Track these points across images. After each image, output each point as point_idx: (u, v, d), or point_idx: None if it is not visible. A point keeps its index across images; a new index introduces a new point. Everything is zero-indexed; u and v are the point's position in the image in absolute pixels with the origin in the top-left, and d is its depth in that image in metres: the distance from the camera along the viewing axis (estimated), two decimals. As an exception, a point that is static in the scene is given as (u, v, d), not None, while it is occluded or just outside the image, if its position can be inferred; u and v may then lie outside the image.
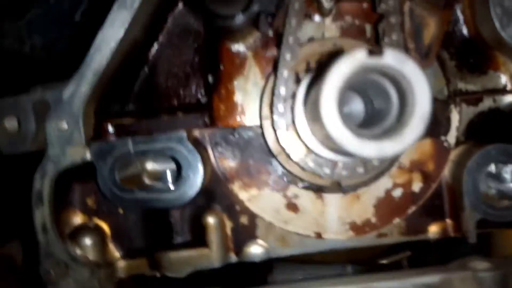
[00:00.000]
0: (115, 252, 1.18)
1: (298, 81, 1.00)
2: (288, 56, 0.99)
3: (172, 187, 1.13)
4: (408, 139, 0.70)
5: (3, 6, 1.88)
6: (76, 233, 1.13)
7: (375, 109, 0.91)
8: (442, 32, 1.01)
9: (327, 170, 1.01)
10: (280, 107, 1.00)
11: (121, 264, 1.18)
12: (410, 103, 0.71)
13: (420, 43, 1.01)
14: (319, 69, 0.95)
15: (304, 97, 0.96)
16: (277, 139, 1.05)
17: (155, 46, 1.26)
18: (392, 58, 0.69)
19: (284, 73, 1.00)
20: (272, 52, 1.13)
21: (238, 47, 1.15)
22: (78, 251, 1.11)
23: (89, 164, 1.10)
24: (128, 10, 1.04)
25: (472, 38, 1.21)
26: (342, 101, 0.70)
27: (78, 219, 1.15)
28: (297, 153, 1.03)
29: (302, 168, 1.04)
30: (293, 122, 1.01)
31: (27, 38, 1.97)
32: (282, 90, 1.00)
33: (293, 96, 1.00)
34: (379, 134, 0.76)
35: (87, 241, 1.13)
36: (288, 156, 1.04)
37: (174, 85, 1.26)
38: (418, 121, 0.69)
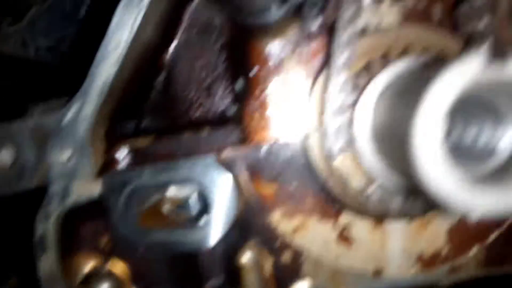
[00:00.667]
0: (137, 299, 1.00)
1: (357, 88, 0.77)
2: (342, 58, 0.77)
3: (199, 220, 0.94)
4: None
5: (1, 7, 1.71)
6: (89, 281, 0.95)
7: (471, 118, 0.67)
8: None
9: (396, 203, 0.79)
10: (333, 123, 0.79)
11: (144, 312, 0.99)
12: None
13: (517, 27, 0.77)
14: (395, 85, 0.72)
15: (369, 112, 0.74)
16: (328, 162, 0.83)
17: (171, 49, 1.05)
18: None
19: (338, 79, 0.78)
20: (319, 50, 0.91)
21: (274, 45, 0.93)
22: (93, 303, 0.93)
23: (100, 199, 0.92)
24: (137, 9, 0.84)
25: None
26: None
27: (90, 263, 0.97)
28: (356, 181, 0.82)
29: (363, 202, 0.82)
30: (351, 142, 0.79)
31: (31, 41, 1.81)
32: (335, 101, 0.78)
33: (351, 107, 0.78)
34: (492, 175, 0.54)
35: (103, 288, 0.95)
36: (344, 184, 0.82)
37: (195, 94, 1.06)
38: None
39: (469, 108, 0.65)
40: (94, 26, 1.02)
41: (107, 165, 0.95)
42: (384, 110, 0.68)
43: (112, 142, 0.96)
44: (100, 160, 0.94)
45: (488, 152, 0.59)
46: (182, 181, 0.90)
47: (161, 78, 1.05)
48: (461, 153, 0.64)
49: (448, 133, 0.73)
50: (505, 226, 0.97)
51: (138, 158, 0.97)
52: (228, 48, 1.03)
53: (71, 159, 0.89)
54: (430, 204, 0.76)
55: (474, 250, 0.99)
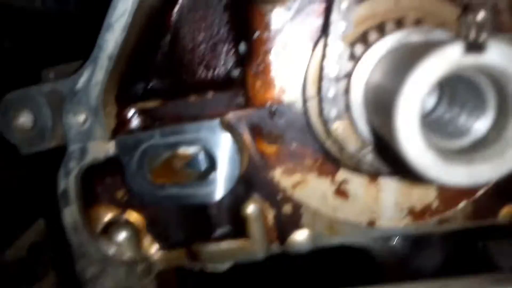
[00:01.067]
0: (152, 245, 1.11)
1: (353, 57, 0.81)
2: (340, 24, 0.80)
3: (208, 175, 1.02)
4: (510, 162, 0.53)
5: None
6: (109, 229, 1.06)
7: (457, 95, 0.72)
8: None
9: (387, 165, 0.86)
10: (330, 90, 0.83)
11: (159, 256, 1.12)
12: (516, 114, 0.53)
13: (514, -1, 0.78)
14: (382, 54, 0.75)
15: (364, 82, 0.78)
16: (325, 126, 0.89)
17: (176, 10, 1.07)
18: (498, 57, 0.50)
19: (335, 46, 0.81)
20: (319, 15, 0.93)
21: (275, 11, 0.95)
22: (113, 249, 1.04)
23: (115, 157, 1.00)
24: (140, -23, 0.86)
25: None
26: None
27: (109, 214, 1.07)
28: (352, 144, 0.88)
29: (358, 162, 0.88)
30: (347, 109, 0.84)
31: (37, -8, 1.83)
32: (333, 69, 0.82)
33: (348, 76, 0.82)
34: (469, 149, 0.60)
35: (121, 236, 1.06)
36: (340, 147, 0.88)
37: (200, 55, 1.10)
38: (526, 141, 0.52)
39: (457, 87, 0.69)
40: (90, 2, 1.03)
41: (119, 126, 1.02)
42: (377, 81, 0.72)
43: (122, 105, 1.02)
44: (112, 122, 1.00)
45: (466, 129, 0.64)
46: (189, 142, 0.97)
47: (166, 40, 1.08)
48: (442, 127, 0.70)
49: (435, 107, 0.78)
50: (490, 184, 1.03)
51: (148, 120, 1.03)
52: (231, 10, 1.05)
53: (86, 122, 0.95)
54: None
55: (462, 204, 1.06)
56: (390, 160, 0.86)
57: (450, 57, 0.51)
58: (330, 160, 1.05)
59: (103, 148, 0.98)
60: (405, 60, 0.60)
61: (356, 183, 1.06)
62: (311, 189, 1.07)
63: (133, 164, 0.97)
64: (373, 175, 1.05)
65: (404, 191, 1.06)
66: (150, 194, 0.98)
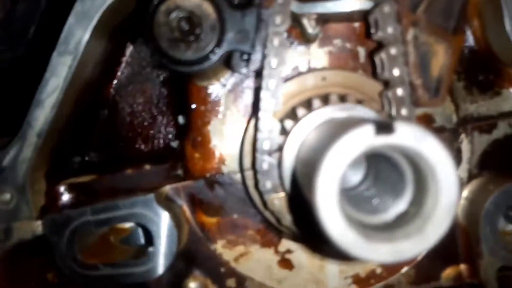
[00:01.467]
0: (85, 331, 1.02)
1: (284, 132, 0.83)
2: (269, 103, 0.82)
3: (146, 250, 0.97)
4: (431, 238, 0.55)
5: None
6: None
7: (381, 172, 0.75)
8: (454, 61, 0.86)
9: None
10: (264, 163, 0.84)
11: None
12: (431, 189, 0.56)
13: (428, 75, 0.85)
14: (309, 127, 0.78)
15: (295, 154, 0.80)
16: (262, 198, 0.89)
17: (114, 84, 1.08)
18: (406, 136, 0.53)
19: (266, 121, 0.83)
20: (251, 90, 0.96)
21: (211, 85, 0.97)
22: None
23: (44, 237, 0.94)
24: (72, 54, 0.86)
25: (481, 52, 1.05)
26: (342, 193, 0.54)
27: (37, 299, 0.99)
28: (288, 216, 0.88)
29: (295, 233, 0.88)
30: (281, 181, 0.84)
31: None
32: (265, 143, 0.84)
33: (280, 150, 0.83)
34: (392, 224, 0.61)
35: (50, 324, 0.97)
36: (277, 219, 0.88)
37: (139, 128, 1.10)
38: (443, 215, 0.55)
39: (380, 164, 0.72)
40: (42, 46, 1.03)
41: (49, 203, 0.97)
42: (302, 157, 0.74)
43: (53, 181, 0.98)
44: (42, 199, 0.96)
45: (389, 205, 0.66)
46: (123, 219, 0.94)
47: (104, 113, 1.07)
48: (367, 201, 0.72)
49: (361, 181, 0.81)
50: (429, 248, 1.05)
51: (81, 195, 1.00)
52: (169, 84, 1.07)
53: (11, 201, 0.91)
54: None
55: (404, 269, 1.07)
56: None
57: (362, 138, 0.53)
58: (272, 230, 1.04)
59: (31, 227, 0.93)
60: (324, 139, 0.63)
61: (300, 253, 1.05)
62: (255, 261, 1.05)
63: (62, 244, 0.92)
64: (316, 245, 1.05)
65: (347, 258, 1.05)
66: (82, 276, 0.92)
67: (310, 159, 0.65)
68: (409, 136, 0.54)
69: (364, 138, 0.54)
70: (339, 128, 0.58)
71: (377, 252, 0.55)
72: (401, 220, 0.61)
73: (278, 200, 0.87)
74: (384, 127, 0.53)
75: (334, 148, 0.53)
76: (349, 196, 0.67)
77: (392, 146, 0.54)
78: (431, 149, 0.54)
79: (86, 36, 0.87)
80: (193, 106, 1.00)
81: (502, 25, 0.94)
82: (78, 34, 0.86)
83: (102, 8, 0.86)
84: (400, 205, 0.64)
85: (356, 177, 0.83)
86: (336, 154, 0.53)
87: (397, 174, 0.65)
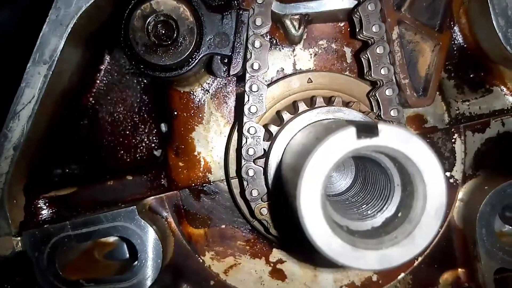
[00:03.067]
0: None
1: (270, 137, 0.82)
2: (253, 108, 0.81)
3: (130, 265, 0.96)
4: (420, 244, 0.54)
5: None
6: None
7: (370, 178, 0.74)
8: (442, 59, 0.85)
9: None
10: (250, 171, 0.83)
11: None
12: (419, 192, 0.55)
13: (415, 75, 0.85)
14: (294, 131, 0.77)
15: (280, 160, 0.79)
16: (249, 208, 0.88)
17: (93, 92, 1.07)
18: (390, 138, 0.52)
19: (251, 129, 0.82)
20: (234, 95, 0.95)
21: (193, 90, 0.97)
22: None
23: (23, 254, 0.92)
24: (47, 64, 0.85)
25: (470, 49, 1.05)
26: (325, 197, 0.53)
27: (17, 321, 0.96)
28: (272, 227, 0.86)
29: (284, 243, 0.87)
30: (268, 188, 0.83)
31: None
32: (250, 150, 0.83)
33: (266, 155, 0.82)
34: (380, 229, 0.60)
35: None
36: (265, 227, 0.87)
37: (120, 136, 1.08)
38: (432, 219, 0.54)
39: (369, 169, 0.71)
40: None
41: (29, 218, 0.95)
42: (284, 161, 0.73)
43: (33, 195, 0.96)
44: (20, 215, 0.94)
45: (377, 210, 0.65)
46: (105, 233, 0.92)
47: (84, 123, 1.06)
48: (356, 207, 0.71)
49: (350, 186, 0.80)
50: (425, 253, 1.05)
51: (62, 208, 0.98)
52: (150, 91, 1.06)
53: (-12, 217, 0.89)
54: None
55: (401, 276, 1.06)
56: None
57: (344, 142, 0.53)
58: (262, 240, 1.02)
59: (10, 244, 0.91)
60: (307, 144, 0.62)
61: (292, 263, 1.04)
62: (246, 273, 1.03)
63: (43, 260, 0.91)
64: (308, 253, 1.03)
65: (341, 267, 1.04)
66: (63, 292, 0.90)
67: (294, 164, 0.64)
68: (393, 138, 0.53)
69: (347, 142, 0.53)
70: (322, 132, 0.57)
71: (365, 260, 0.54)
72: (389, 225, 0.60)
73: (266, 208, 0.85)
74: (367, 129, 0.52)
75: (317, 153, 0.53)
76: (337, 203, 0.66)
77: (375, 148, 0.53)
78: (416, 150, 0.53)
79: (61, 45, 0.86)
80: (175, 113, 0.99)
81: (490, 21, 0.94)
82: (53, 42, 0.85)
83: (77, 16, 0.85)
84: (388, 210, 0.64)
85: (344, 182, 0.82)
86: (319, 158, 0.52)
87: (385, 178, 0.65)
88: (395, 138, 0.53)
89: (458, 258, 1.07)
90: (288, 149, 0.76)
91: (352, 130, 0.52)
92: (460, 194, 1.05)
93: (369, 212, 0.66)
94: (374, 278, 1.06)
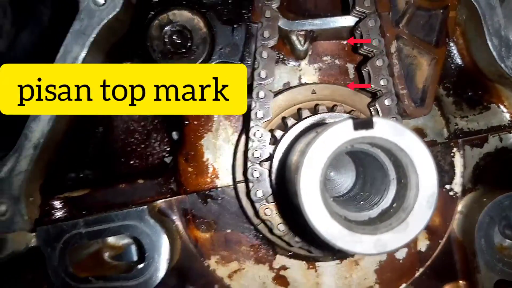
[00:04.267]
0: None
1: (275, 141, 0.87)
2: (259, 114, 0.86)
3: (137, 266, 0.99)
4: (413, 231, 0.58)
5: None
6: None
7: (369, 176, 0.78)
8: (438, 73, 0.91)
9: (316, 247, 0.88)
10: (255, 172, 0.87)
11: None
12: (412, 182, 0.59)
13: (413, 87, 0.90)
14: (298, 135, 0.82)
15: (283, 162, 0.83)
16: (255, 209, 0.91)
17: (111, 102, 1.13)
18: (384, 130, 0.57)
19: (257, 133, 0.88)
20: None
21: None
22: None
23: (36, 249, 0.96)
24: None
25: (468, 69, 1.11)
26: (325, 182, 0.57)
27: (27, 316, 0.99)
28: (280, 226, 0.90)
29: (287, 244, 0.90)
30: (272, 190, 0.87)
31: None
32: (256, 153, 0.88)
33: (270, 158, 0.87)
34: (376, 218, 0.64)
35: None
36: (270, 229, 0.90)
37: (133, 144, 1.14)
38: (424, 207, 0.58)
39: (368, 168, 0.76)
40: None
41: (43, 216, 1.00)
42: (289, 158, 0.78)
43: (48, 195, 1.01)
44: (36, 212, 0.99)
45: (375, 203, 0.69)
46: (116, 231, 0.96)
47: (99, 131, 1.12)
48: (357, 203, 0.75)
49: (352, 187, 0.84)
50: (426, 264, 1.07)
51: (75, 209, 1.02)
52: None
53: (6, 212, 0.93)
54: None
55: (403, 286, 1.08)
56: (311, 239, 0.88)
57: (342, 132, 0.57)
58: (267, 246, 1.06)
59: (24, 239, 0.96)
60: (309, 138, 0.67)
61: (295, 269, 1.06)
62: (250, 278, 1.06)
63: (55, 256, 0.94)
64: (311, 261, 1.06)
65: (343, 275, 1.07)
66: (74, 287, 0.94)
67: (296, 161, 0.68)
68: (387, 130, 0.58)
69: (345, 132, 0.58)
70: (322, 128, 0.62)
71: (361, 244, 0.58)
72: (385, 215, 0.64)
73: (269, 210, 0.89)
74: (364, 123, 0.57)
75: (317, 141, 0.58)
76: (337, 200, 0.70)
77: (371, 140, 0.58)
78: (409, 142, 0.58)
79: (83, 53, 0.93)
80: (186, 121, 1.04)
81: (485, 41, 1.00)
82: (76, 50, 0.92)
83: (99, 26, 0.92)
84: (384, 202, 0.67)
85: (346, 185, 0.87)
86: (319, 146, 0.57)
87: (381, 174, 0.69)
88: (389, 130, 0.58)
89: (459, 270, 1.09)
90: (292, 149, 0.81)
91: (349, 122, 0.57)
92: (460, 207, 1.08)
93: (366, 205, 0.70)
94: (376, 287, 1.08)
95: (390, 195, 0.67)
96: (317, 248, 0.87)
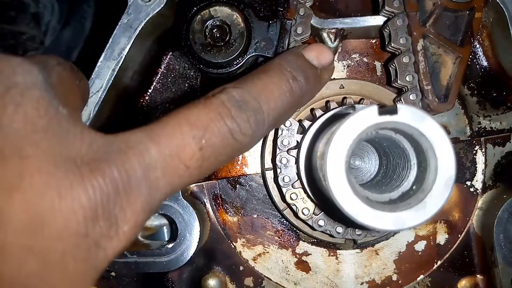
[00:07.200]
0: (107, 319, 1.10)
1: (303, 131, 0.92)
2: (290, 104, 0.91)
3: (169, 245, 1.05)
4: (431, 210, 0.62)
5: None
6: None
7: (391, 163, 0.83)
8: (462, 71, 0.94)
9: (339, 229, 0.93)
10: (283, 159, 0.93)
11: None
12: (432, 166, 0.64)
13: (438, 83, 0.94)
14: (324, 125, 0.87)
15: (310, 150, 0.89)
16: (281, 194, 0.97)
17: (149, 91, 1.21)
18: (407, 116, 0.62)
19: (286, 122, 0.93)
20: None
21: (237, 92, 1.08)
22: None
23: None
24: (116, 60, 0.99)
25: (493, 70, 1.14)
26: (350, 164, 0.62)
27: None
28: (305, 210, 0.95)
29: (311, 228, 0.95)
30: (299, 176, 0.93)
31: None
32: (285, 141, 0.93)
33: (298, 147, 0.92)
34: (396, 199, 0.68)
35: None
36: (296, 215, 0.96)
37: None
38: (442, 189, 0.62)
39: (391, 154, 0.81)
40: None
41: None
42: (317, 155, 0.83)
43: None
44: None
45: (397, 186, 0.74)
46: (152, 211, 1.02)
47: (139, 119, 1.19)
48: (380, 186, 0.79)
49: (376, 173, 0.89)
50: (446, 257, 1.10)
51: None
52: (198, 93, 1.19)
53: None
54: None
55: (420, 277, 1.11)
56: (336, 218, 0.93)
57: (367, 117, 0.62)
58: (291, 232, 1.11)
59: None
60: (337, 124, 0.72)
61: (317, 255, 1.11)
62: (273, 261, 1.11)
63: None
64: (332, 248, 1.11)
65: (363, 264, 1.11)
66: (110, 262, 1.01)
67: (322, 147, 0.73)
68: (409, 116, 0.63)
69: (370, 117, 0.63)
70: (350, 113, 0.67)
71: (381, 220, 0.62)
72: (405, 196, 0.68)
73: (295, 194, 0.95)
74: (388, 109, 0.62)
75: (343, 125, 0.63)
76: (362, 186, 0.75)
77: (394, 125, 0.63)
78: (430, 128, 0.63)
79: (129, 44, 1.00)
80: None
81: (511, 45, 1.02)
82: (123, 42, 1.00)
83: (145, 20, 1.00)
84: (404, 186, 0.72)
85: (369, 173, 0.91)
86: (346, 129, 0.62)
87: (403, 160, 0.73)
88: (411, 116, 0.62)
89: (476, 265, 1.11)
90: (319, 138, 0.86)
91: (374, 108, 0.62)
92: (480, 203, 1.11)
93: (388, 189, 0.75)
94: (394, 277, 1.12)
95: (411, 179, 0.72)
96: (339, 226, 0.91)
